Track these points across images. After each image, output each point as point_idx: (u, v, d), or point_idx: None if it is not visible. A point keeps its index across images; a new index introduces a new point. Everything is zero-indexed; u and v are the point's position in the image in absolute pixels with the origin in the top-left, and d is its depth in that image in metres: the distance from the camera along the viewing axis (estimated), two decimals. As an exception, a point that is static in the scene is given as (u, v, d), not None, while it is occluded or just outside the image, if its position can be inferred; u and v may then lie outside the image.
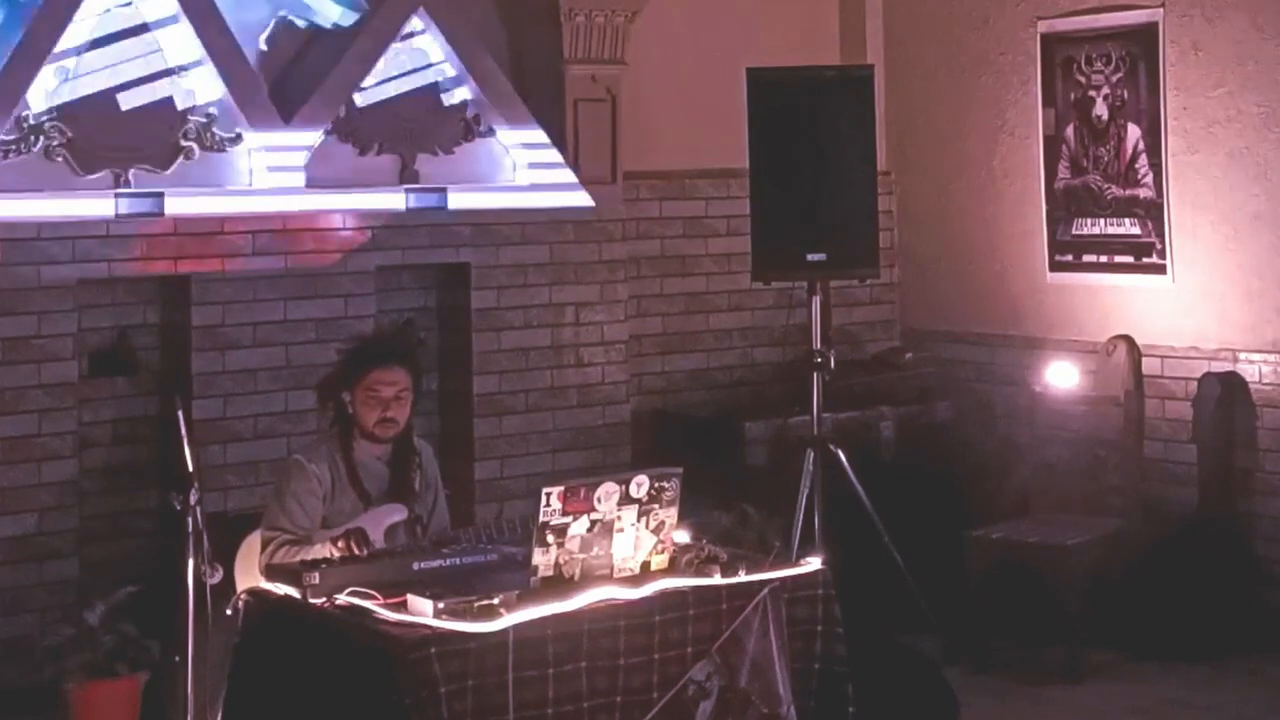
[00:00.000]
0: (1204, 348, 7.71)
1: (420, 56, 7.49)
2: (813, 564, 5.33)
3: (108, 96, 6.82)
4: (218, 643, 5.07)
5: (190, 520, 4.89)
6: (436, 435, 7.41)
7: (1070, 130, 8.19)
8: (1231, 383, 7.57)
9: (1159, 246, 7.86)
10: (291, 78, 7.33)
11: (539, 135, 7.70)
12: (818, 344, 7.48)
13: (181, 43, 6.93)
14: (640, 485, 4.97)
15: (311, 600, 4.89)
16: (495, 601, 4.73)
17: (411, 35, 7.45)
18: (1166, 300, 7.86)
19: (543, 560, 4.84)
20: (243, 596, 5.08)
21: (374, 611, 4.79)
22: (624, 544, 4.97)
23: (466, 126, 7.60)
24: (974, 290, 8.67)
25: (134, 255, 6.89)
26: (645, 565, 5.04)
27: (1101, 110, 8.05)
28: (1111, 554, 7.35)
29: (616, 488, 4.92)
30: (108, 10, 6.79)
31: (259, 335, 7.14)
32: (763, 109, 7.40)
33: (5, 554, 6.64)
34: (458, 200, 7.51)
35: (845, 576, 5.56)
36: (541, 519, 4.80)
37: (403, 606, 4.80)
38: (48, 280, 6.71)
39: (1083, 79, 8.12)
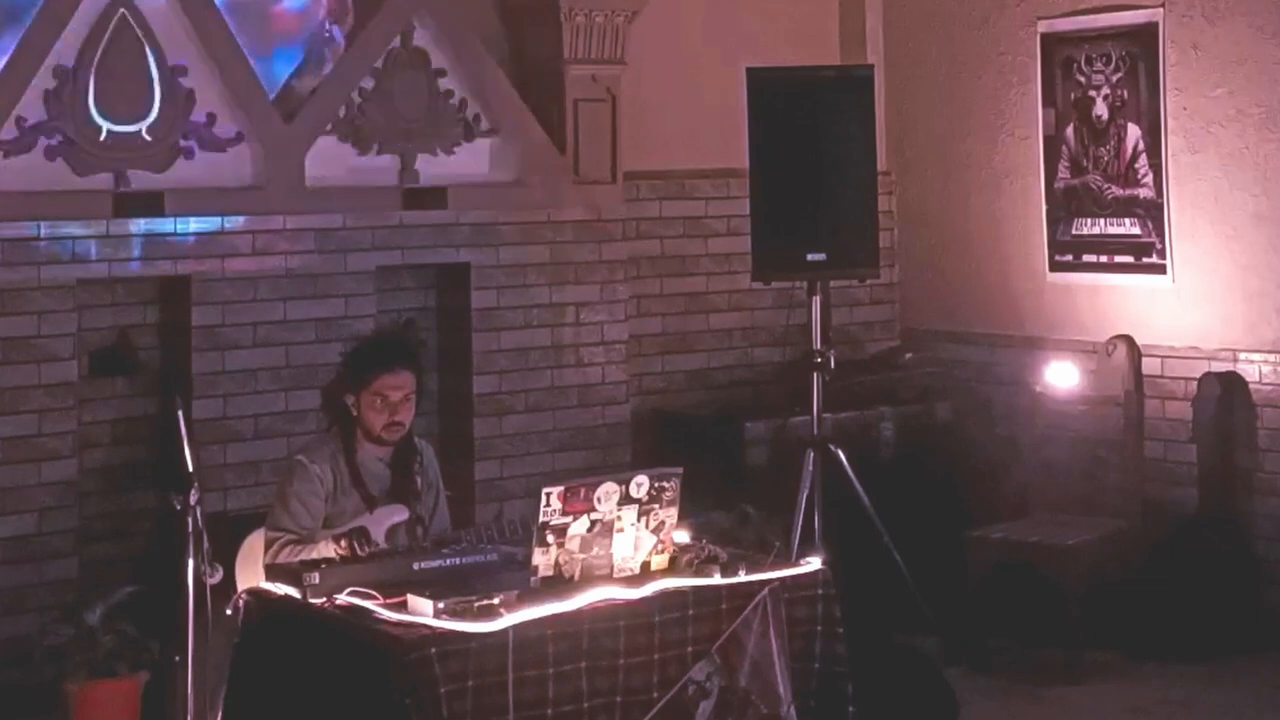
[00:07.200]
0: (1204, 348, 7.70)
1: (420, 56, 7.48)
2: (813, 564, 5.33)
3: (108, 96, 6.82)
4: (218, 643, 5.07)
5: (190, 520, 4.87)
6: (436, 435, 7.40)
7: (1070, 130, 8.19)
8: (1231, 383, 7.57)
9: (1159, 246, 7.86)
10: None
11: (539, 135, 7.70)
12: (818, 344, 7.47)
13: (182, 42, 6.93)
14: (640, 485, 4.97)
15: (311, 600, 4.89)
16: (495, 601, 4.73)
17: (411, 35, 7.45)
18: (1166, 300, 7.85)
19: (543, 560, 4.84)
20: (243, 596, 5.08)
21: (374, 611, 4.79)
22: (624, 544, 4.97)
23: (466, 126, 7.60)
24: (974, 290, 8.66)
25: (134, 255, 6.89)
26: (645, 565, 5.04)
27: (1101, 110, 8.05)
28: (1111, 554, 7.36)
29: (616, 488, 4.92)
30: (107, 10, 6.78)
31: (259, 335, 7.14)
32: (763, 109, 7.39)
33: (5, 554, 6.63)
34: (458, 200, 7.51)
35: (845, 576, 5.56)
36: (541, 519, 4.80)
37: (403, 606, 4.80)
38: (48, 280, 6.71)
39: (1083, 79, 8.11)
